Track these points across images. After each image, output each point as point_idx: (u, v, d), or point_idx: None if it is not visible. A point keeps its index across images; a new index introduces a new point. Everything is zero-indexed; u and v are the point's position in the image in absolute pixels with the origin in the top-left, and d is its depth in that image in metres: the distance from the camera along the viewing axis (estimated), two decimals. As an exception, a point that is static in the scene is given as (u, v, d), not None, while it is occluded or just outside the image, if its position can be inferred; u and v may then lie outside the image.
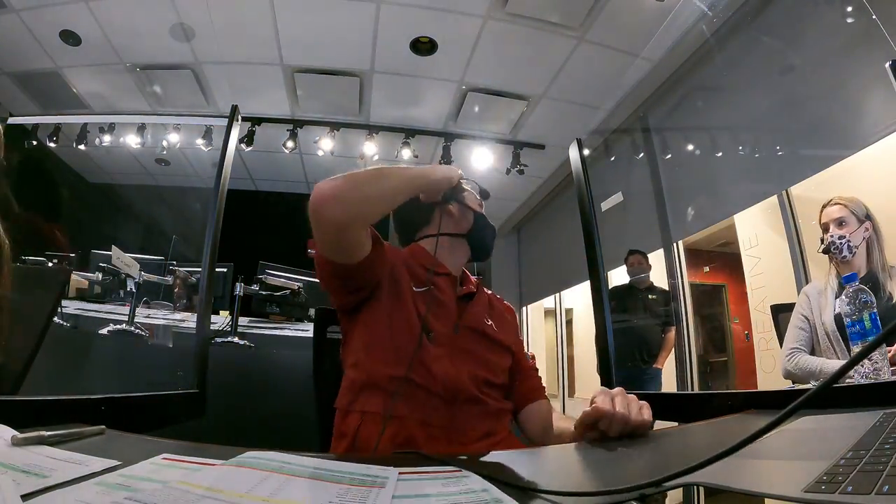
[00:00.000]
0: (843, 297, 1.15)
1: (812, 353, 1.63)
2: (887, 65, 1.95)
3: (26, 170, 3.97)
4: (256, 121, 4.00)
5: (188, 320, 2.50)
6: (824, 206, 1.66)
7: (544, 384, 1.10)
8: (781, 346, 1.82)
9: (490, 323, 1.05)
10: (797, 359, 1.61)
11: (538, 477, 0.50)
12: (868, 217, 1.61)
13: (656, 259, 3.58)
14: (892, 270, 1.59)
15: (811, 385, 1.46)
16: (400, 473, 0.46)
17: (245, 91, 3.88)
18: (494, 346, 1.02)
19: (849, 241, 1.57)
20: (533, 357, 1.07)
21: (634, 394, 0.69)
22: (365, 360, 0.91)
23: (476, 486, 0.42)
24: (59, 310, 2.27)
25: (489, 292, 1.17)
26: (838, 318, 1.50)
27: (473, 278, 1.16)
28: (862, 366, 1.09)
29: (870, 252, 1.60)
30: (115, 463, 0.42)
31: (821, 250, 1.64)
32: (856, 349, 1.14)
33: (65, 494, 0.34)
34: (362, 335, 0.94)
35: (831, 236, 1.59)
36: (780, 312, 1.95)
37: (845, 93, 2.30)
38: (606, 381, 2.30)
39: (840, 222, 1.60)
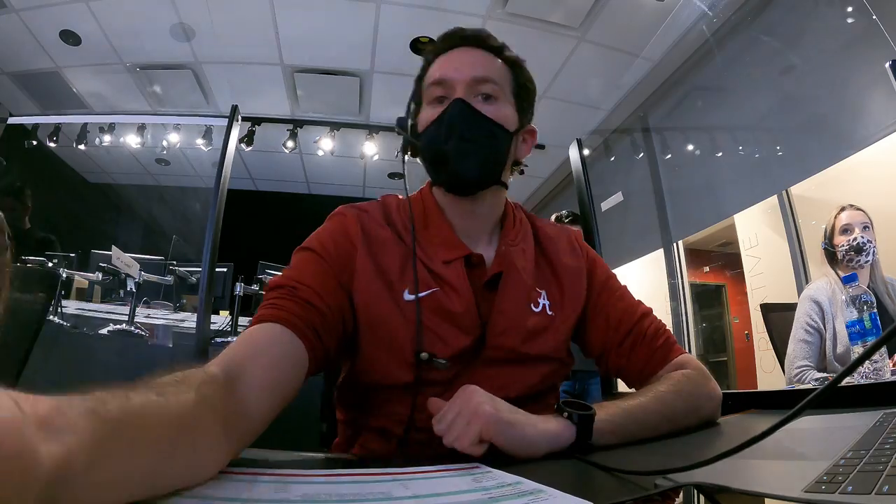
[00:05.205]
0: (845, 298, 1.15)
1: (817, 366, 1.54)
2: (887, 65, 1.94)
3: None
4: (256, 121, 3.99)
5: (188, 320, 2.50)
6: (842, 210, 1.61)
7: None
8: (775, 349, 1.78)
9: (541, 307, 0.71)
10: (808, 378, 1.51)
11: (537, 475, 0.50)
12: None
13: (656, 259, 3.58)
14: (887, 284, 1.57)
15: (812, 385, 1.46)
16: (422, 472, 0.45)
17: (245, 91, 3.88)
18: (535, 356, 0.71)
19: (875, 246, 1.54)
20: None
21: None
22: (352, 411, 0.76)
23: (508, 480, 0.42)
24: (59, 309, 2.28)
25: (540, 227, 0.80)
26: None
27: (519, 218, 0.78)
28: (862, 366, 1.08)
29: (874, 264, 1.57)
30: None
31: (848, 250, 1.54)
32: (856, 349, 1.15)
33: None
34: (347, 382, 0.75)
35: (863, 237, 1.54)
36: (772, 312, 1.89)
37: (845, 93, 2.30)
38: (607, 382, 2.31)
39: (865, 226, 1.57)
